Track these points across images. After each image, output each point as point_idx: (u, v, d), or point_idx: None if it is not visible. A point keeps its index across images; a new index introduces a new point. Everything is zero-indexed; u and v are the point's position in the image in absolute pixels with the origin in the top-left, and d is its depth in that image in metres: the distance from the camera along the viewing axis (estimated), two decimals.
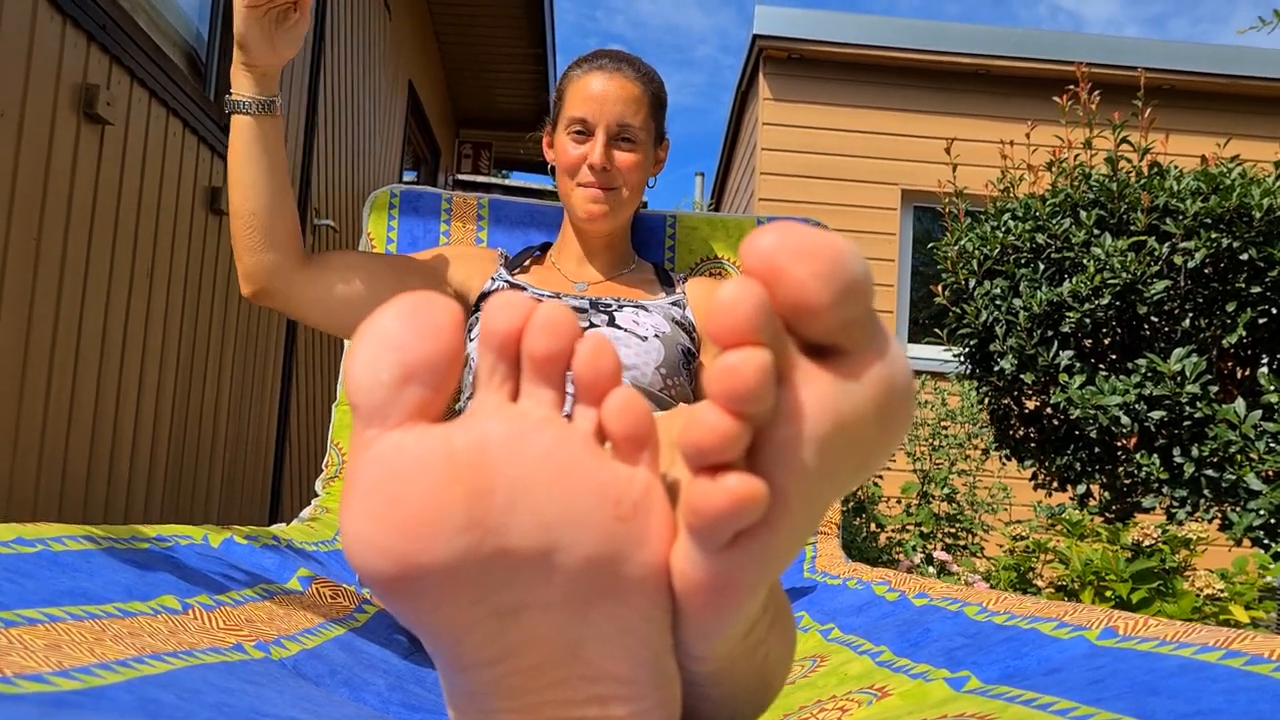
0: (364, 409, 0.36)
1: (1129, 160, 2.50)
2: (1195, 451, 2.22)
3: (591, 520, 0.36)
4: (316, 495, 1.53)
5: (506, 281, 1.36)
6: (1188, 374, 2.20)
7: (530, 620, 0.37)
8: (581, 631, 0.37)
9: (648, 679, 0.38)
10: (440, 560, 0.34)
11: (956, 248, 2.66)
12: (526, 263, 1.44)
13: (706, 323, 0.33)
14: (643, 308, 1.32)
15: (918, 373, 4.06)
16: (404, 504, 0.35)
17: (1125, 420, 2.25)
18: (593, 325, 1.27)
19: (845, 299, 0.34)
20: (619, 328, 1.27)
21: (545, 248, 1.50)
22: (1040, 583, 2.24)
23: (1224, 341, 2.30)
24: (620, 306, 1.31)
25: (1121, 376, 2.30)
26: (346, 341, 1.59)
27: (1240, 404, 2.15)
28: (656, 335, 1.27)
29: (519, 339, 0.37)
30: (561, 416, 0.37)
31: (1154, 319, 2.39)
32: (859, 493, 2.80)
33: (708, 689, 0.43)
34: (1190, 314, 2.34)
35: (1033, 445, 2.67)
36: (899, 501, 3.07)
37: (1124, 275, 2.27)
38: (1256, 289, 2.26)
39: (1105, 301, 2.30)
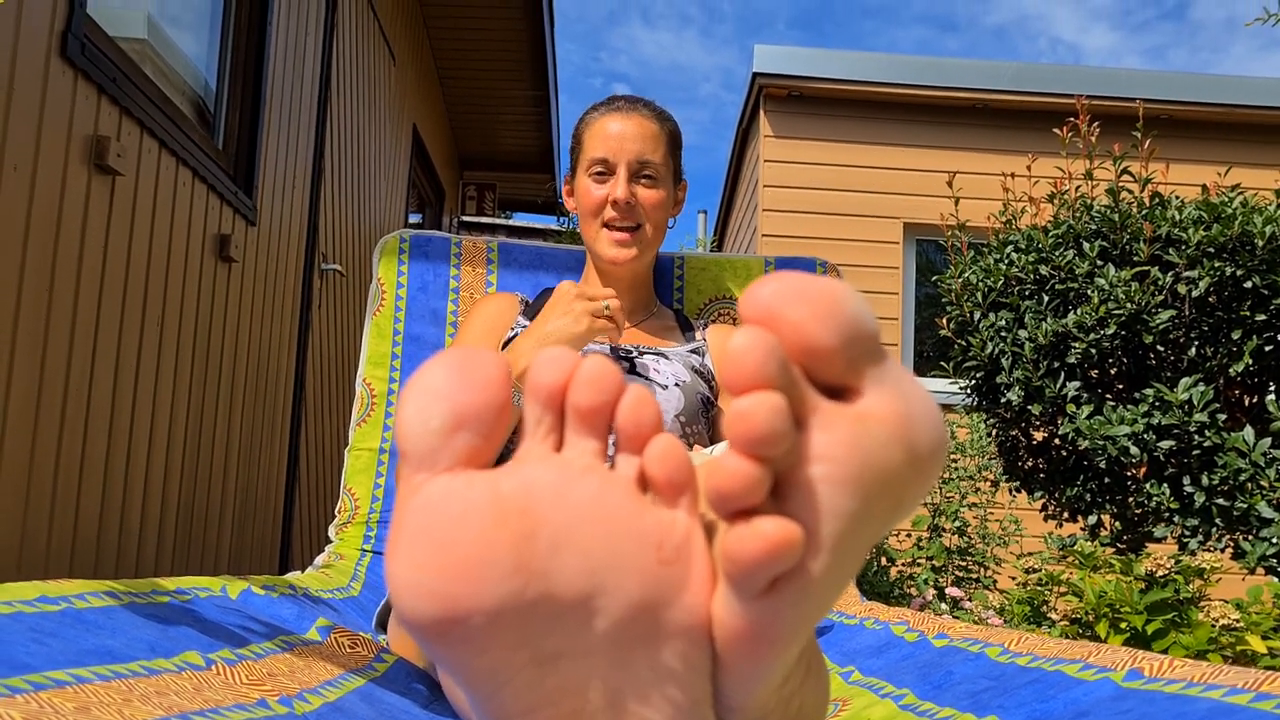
0: (413, 455, 0.37)
1: (1130, 191, 2.51)
2: (1205, 480, 2.21)
3: (635, 565, 0.36)
4: (330, 541, 1.53)
5: (525, 329, 1.36)
6: (1195, 403, 2.20)
7: (569, 667, 0.37)
8: (621, 679, 0.37)
9: None
10: (487, 604, 0.35)
11: (960, 280, 2.67)
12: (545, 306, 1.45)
13: (720, 372, 0.34)
14: (663, 355, 1.32)
15: None
16: (452, 548, 0.35)
17: (1134, 450, 2.24)
18: None
19: (847, 337, 0.35)
20: (639, 375, 1.28)
21: None
22: (1054, 615, 2.22)
23: (1231, 370, 2.30)
24: (640, 354, 1.32)
25: (1129, 406, 2.30)
26: (357, 388, 1.59)
27: (1249, 432, 2.15)
28: (677, 384, 1.28)
29: (564, 392, 0.38)
30: (604, 465, 0.38)
31: (1160, 348, 2.39)
32: None
33: None
34: (1196, 343, 2.34)
35: (1042, 476, 2.66)
36: (909, 535, 3.05)
37: (1128, 305, 2.28)
38: (1261, 316, 2.27)
39: (1110, 332, 2.30)
